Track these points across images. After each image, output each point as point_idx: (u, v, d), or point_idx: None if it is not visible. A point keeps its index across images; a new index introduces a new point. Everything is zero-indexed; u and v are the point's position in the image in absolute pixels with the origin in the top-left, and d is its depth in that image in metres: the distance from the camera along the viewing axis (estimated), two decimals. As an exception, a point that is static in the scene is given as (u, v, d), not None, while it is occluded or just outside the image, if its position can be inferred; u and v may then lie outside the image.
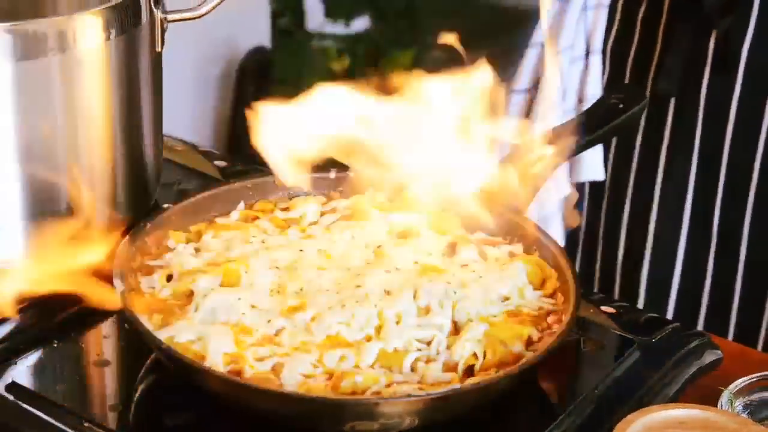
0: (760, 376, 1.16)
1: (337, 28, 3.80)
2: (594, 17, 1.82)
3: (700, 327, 1.76)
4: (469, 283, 1.18)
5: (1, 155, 1.24)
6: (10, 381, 1.14)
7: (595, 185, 1.86)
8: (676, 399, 1.17)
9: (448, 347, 1.12)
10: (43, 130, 1.25)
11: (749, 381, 1.15)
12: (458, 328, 1.14)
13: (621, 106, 1.36)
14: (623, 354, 1.20)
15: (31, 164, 1.25)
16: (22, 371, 1.16)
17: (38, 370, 1.17)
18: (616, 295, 1.85)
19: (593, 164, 1.83)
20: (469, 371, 1.10)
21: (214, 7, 1.37)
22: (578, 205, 1.89)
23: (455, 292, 1.17)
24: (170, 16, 1.35)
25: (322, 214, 1.31)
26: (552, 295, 1.20)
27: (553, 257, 1.23)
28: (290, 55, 3.61)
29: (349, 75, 3.68)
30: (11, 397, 1.12)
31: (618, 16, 1.82)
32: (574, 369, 1.20)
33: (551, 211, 1.86)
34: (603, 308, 1.28)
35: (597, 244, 1.88)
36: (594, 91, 1.82)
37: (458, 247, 1.25)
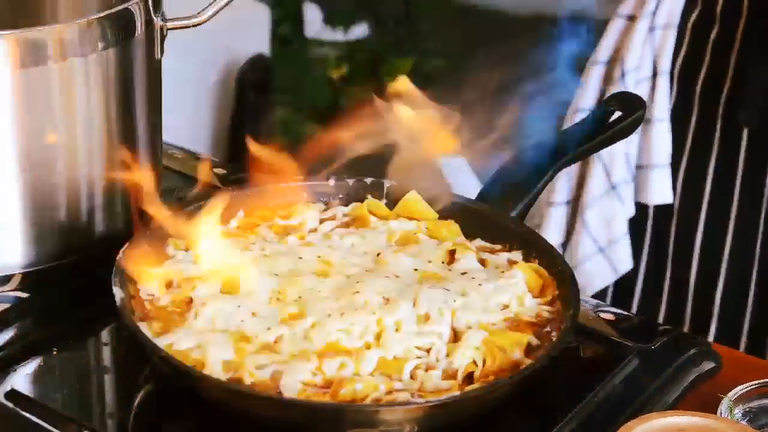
0: (760, 383, 1.16)
1: (337, 36, 3.80)
2: (662, 38, 1.79)
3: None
4: (468, 291, 1.18)
5: (0, 161, 1.24)
6: (10, 388, 1.14)
7: (660, 207, 1.84)
8: (676, 406, 1.16)
9: (448, 355, 1.12)
10: (41, 137, 1.25)
11: (749, 388, 1.15)
12: (457, 336, 1.14)
13: (619, 113, 1.37)
14: (622, 361, 1.20)
15: (30, 171, 1.25)
16: (21, 379, 1.16)
17: (37, 377, 1.17)
18: (687, 322, 1.84)
19: (662, 187, 1.81)
20: (469, 378, 1.10)
21: (214, 14, 1.37)
22: (641, 226, 1.87)
23: (454, 300, 1.17)
24: (170, 24, 1.35)
25: (322, 221, 1.31)
26: (551, 303, 1.20)
27: (553, 264, 1.23)
28: (289, 62, 3.61)
29: (348, 82, 3.68)
30: (10, 405, 1.12)
31: (687, 39, 1.79)
32: (573, 376, 1.20)
33: (619, 232, 1.84)
34: (602, 315, 1.28)
35: (665, 269, 1.86)
36: (660, 114, 1.79)
37: (458, 255, 1.25)
